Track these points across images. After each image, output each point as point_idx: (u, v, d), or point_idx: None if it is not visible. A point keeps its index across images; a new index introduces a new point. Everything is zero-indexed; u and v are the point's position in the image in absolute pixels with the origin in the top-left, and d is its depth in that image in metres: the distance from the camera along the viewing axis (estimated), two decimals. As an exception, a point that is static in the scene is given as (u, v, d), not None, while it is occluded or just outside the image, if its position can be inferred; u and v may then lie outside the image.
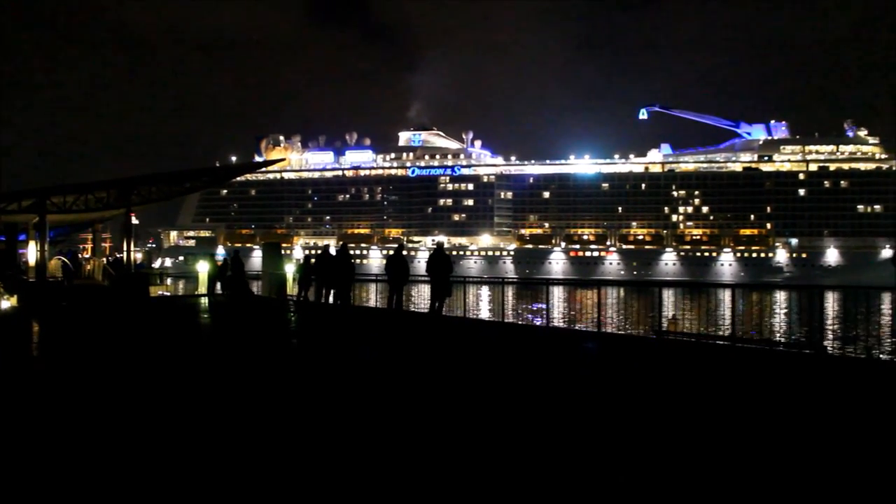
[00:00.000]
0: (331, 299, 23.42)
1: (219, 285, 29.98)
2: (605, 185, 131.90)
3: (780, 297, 72.40)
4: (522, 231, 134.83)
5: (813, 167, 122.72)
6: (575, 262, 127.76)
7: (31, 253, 36.54)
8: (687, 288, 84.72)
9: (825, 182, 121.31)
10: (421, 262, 25.07)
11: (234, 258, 30.10)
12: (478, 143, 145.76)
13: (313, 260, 25.75)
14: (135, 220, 46.74)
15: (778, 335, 40.44)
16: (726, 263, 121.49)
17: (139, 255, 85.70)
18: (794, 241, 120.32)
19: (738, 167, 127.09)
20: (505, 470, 5.66)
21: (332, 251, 23.76)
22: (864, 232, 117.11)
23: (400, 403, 8.19)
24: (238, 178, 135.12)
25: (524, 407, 8.03)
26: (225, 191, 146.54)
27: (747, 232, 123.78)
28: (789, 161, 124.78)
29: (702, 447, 6.48)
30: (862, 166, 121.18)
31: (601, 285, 24.54)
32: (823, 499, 5.20)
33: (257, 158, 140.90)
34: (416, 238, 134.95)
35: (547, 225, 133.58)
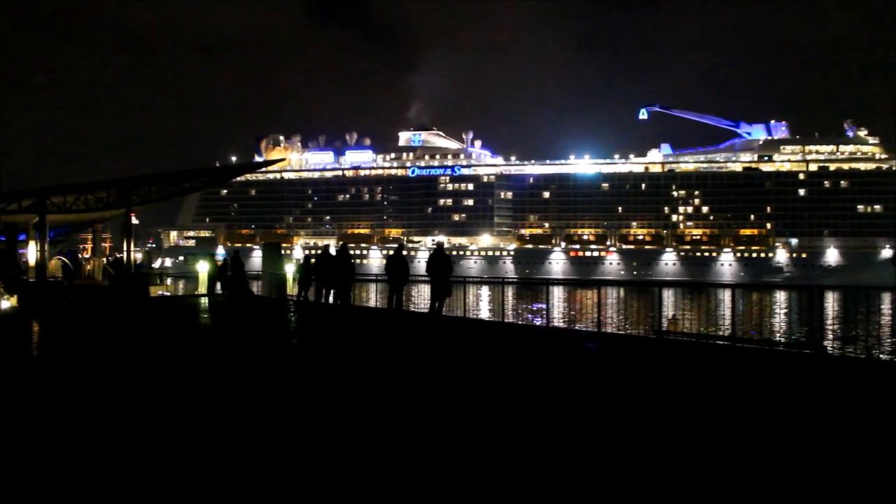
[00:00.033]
0: (331, 299, 23.43)
1: (219, 285, 29.98)
2: (605, 185, 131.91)
3: (780, 297, 72.41)
4: (522, 231, 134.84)
5: (813, 167, 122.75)
6: (575, 262, 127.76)
7: (31, 253, 36.55)
8: (687, 288, 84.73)
9: (825, 182, 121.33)
10: (421, 262, 25.07)
11: (234, 258, 30.10)
12: (478, 143, 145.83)
13: (313, 260, 25.75)
14: (135, 220, 46.74)
15: (778, 335, 40.44)
16: (726, 263, 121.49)
17: (139, 255, 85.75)
18: (794, 241, 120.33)
19: (738, 167, 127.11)
20: (505, 470, 5.66)
21: (332, 251, 23.77)
22: (864, 232, 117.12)
23: (400, 403, 8.20)
24: (238, 178, 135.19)
25: (524, 407, 8.03)
26: (225, 191, 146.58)
27: (747, 232, 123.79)
28: (789, 161, 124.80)
29: (702, 447, 6.48)
30: (862, 166, 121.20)
31: (601, 285, 24.56)
32: (823, 498, 5.20)
33: (257, 158, 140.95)
34: (416, 238, 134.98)
35: (547, 225, 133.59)
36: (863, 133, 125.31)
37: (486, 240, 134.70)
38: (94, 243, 57.48)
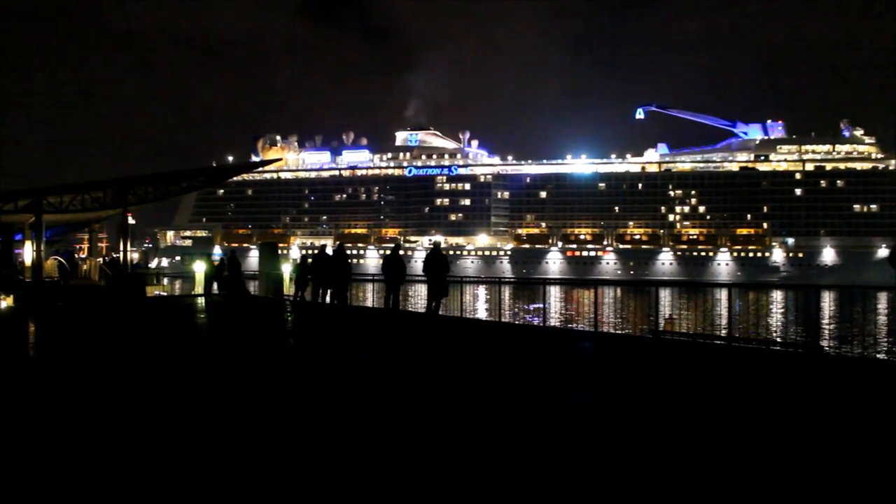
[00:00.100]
0: (328, 299, 23.42)
1: (215, 285, 29.96)
2: (602, 184, 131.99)
3: (777, 296, 72.54)
4: (519, 231, 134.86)
5: (809, 167, 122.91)
6: (572, 262, 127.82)
7: (28, 253, 36.50)
8: (684, 287, 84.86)
9: (821, 182, 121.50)
10: (418, 262, 25.06)
11: (230, 258, 30.11)
12: (475, 142, 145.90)
13: (310, 260, 25.74)
14: (131, 220, 46.71)
15: (774, 335, 40.50)
16: (723, 263, 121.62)
17: (136, 255, 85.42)
18: (790, 240, 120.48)
19: (734, 167, 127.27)
20: (504, 470, 5.66)
21: (329, 251, 23.76)
22: (860, 231, 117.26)
23: (397, 403, 8.20)
24: (235, 178, 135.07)
25: (522, 407, 8.03)
26: (221, 191, 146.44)
27: (744, 231, 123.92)
28: (786, 161, 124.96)
29: (700, 447, 6.49)
30: (858, 166, 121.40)
31: (598, 285, 24.59)
32: (821, 497, 5.21)
33: (254, 158, 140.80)
34: (412, 238, 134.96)
35: (544, 225, 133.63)
36: (859, 133, 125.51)
37: (482, 239, 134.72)
38: (91, 243, 57.53)
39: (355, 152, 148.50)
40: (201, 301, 27.31)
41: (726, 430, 7.10)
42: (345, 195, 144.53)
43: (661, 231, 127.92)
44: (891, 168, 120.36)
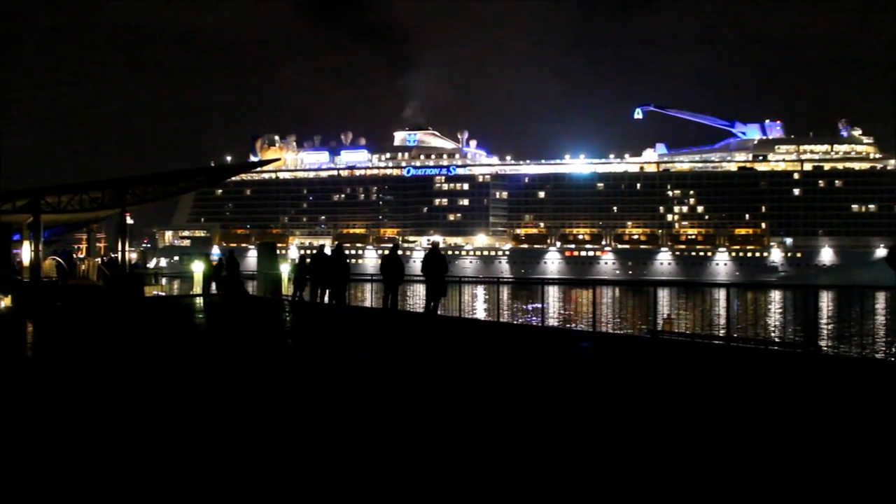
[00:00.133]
0: (326, 299, 23.42)
1: (214, 285, 29.94)
2: (601, 184, 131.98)
3: (776, 296, 72.54)
4: (518, 231, 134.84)
5: (808, 167, 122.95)
6: (570, 262, 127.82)
7: (26, 253, 36.47)
8: (682, 287, 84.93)
9: (820, 182, 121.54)
10: (416, 262, 25.05)
11: (229, 258, 30.10)
12: (473, 142, 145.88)
13: (309, 260, 25.73)
14: (130, 220, 46.72)
15: (773, 334, 40.51)
16: (721, 263, 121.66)
17: (134, 255, 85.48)
18: (788, 240, 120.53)
19: (732, 167, 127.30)
20: (503, 470, 5.66)
21: (328, 251, 23.76)
22: (858, 231, 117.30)
23: (396, 403, 8.19)
24: (233, 178, 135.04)
25: (520, 407, 8.03)
26: (220, 191, 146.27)
27: (742, 231, 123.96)
28: (784, 161, 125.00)
29: (699, 446, 6.49)
30: (856, 166, 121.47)
31: (596, 285, 24.60)
32: (819, 497, 5.21)
33: (252, 158, 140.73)
34: (411, 238, 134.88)
35: (542, 225, 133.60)
36: (857, 133, 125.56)
37: (481, 239, 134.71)
38: (89, 243, 57.61)
39: (354, 152, 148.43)
40: (200, 301, 27.30)
41: (725, 429, 7.10)
42: (343, 195, 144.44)
43: (660, 231, 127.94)
44: (889, 168, 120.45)
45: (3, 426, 7.29)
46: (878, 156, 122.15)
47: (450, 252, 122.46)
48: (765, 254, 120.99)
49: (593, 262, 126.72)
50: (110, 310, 24.21)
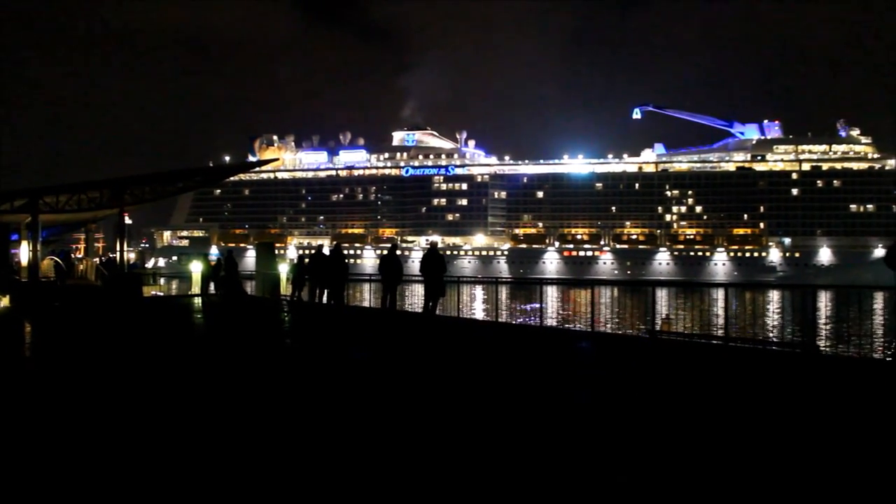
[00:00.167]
0: (324, 299, 23.41)
1: (212, 285, 29.92)
2: (599, 184, 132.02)
3: (774, 296, 72.60)
4: (516, 231, 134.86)
5: (806, 167, 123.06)
6: (569, 262, 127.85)
7: (24, 253, 36.40)
8: (680, 287, 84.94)
9: (818, 182, 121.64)
10: (415, 262, 25.05)
11: (227, 258, 30.07)
12: (472, 142, 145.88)
13: (307, 260, 25.73)
14: (128, 220, 46.65)
15: (771, 334, 40.56)
16: (720, 263, 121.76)
17: (132, 255, 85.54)
18: (787, 240, 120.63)
19: (731, 167, 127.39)
20: (503, 470, 5.65)
21: (326, 251, 23.76)
22: (856, 231, 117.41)
23: (394, 404, 8.19)
24: (232, 178, 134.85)
25: (520, 407, 8.03)
26: (218, 191, 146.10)
27: (741, 231, 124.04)
28: (782, 161, 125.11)
29: (698, 446, 6.49)
30: (854, 166, 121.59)
31: (595, 285, 24.60)
32: (818, 497, 5.22)
33: (251, 158, 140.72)
34: (409, 238, 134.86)
35: (541, 225, 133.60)
36: (855, 133, 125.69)
37: (479, 239, 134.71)
38: (87, 243, 57.37)
39: (352, 152, 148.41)
40: (198, 301, 27.28)
41: (724, 429, 7.10)
42: (342, 195, 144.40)
43: (658, 231, 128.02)
44: (887, 168, 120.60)
45: (1, 427, 7.28)
46: (876, 156, 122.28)
47: (448, 252, 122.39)
48: (763, 254, 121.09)
49: (592, 262, 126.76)
50: (108, 310, 24.19)
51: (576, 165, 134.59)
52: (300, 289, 26.23)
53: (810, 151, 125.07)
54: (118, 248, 39.65)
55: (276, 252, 37.12)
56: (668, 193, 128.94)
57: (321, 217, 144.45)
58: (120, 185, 35.10)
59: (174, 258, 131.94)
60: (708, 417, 7.68)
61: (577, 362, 12.36)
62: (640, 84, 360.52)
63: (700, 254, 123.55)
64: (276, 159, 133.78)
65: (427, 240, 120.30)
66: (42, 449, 6.39)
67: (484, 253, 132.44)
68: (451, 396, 8.62)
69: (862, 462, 6.05)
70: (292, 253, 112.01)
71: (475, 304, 53.51)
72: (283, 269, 31.90)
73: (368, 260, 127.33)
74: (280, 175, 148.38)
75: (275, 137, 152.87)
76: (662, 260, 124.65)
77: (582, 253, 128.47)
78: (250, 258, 79.26)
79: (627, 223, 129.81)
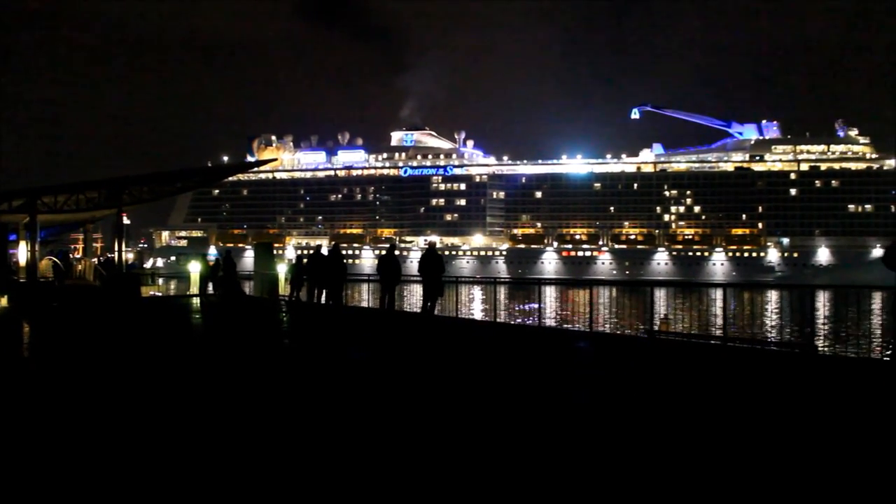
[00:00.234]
0: (323, 299, 23.41)
1: (210, 285, 29.90)
2: (598, 184, 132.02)
3: (772, 296, 72.67)
4: (515, 231, 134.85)
5: (804, 167, 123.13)
6: (567, 262, 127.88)
7: (22, 253, 36.37)
8: (679, 287, 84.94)
9: (816, 182, 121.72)
10: (413, 262, 25.05)
11: (225, 258, 30.07)
12: (470, 142, 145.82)
13: (305, 260, 25.72)
14: (126, 221, 46.58)
15: (770, 335, 40.57)
16: (718, 263, 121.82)
17: (130, 256, 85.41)
18: (785, 240, 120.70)
19: (729, 167, 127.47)
20: (502, 470, 5.65)
21: (325, 251, 23.75)
22: (855, 231, 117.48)
23: (393, 404, 8.18)
24: (230, 178, 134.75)
25: (519, 407, 8.03)
26: (217, 191, 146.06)
27: (739, 231, 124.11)
28: (780, 161, 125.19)
29: (696, 446, 6.49)
30: (853, 166, 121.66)
31: (593, 285, 24.61)
32: (816, 496, 5.22)
33: (249, 158, 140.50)
34: (408, 238, 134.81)
35: (539, 225, 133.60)
36: (853, 133, 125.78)
37: (478, 240, 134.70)
38: (86, 243, 57.37)
39: (351, 152, 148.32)
40: (196, 301, 27.27)
41: (722, 429, 7.10)
42: (340, 195, 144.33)
43: (657, 231, 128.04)
44: (885, 168, 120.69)
45: (1, 427, 7.28)
46: (874, 156, 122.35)
47: (447, 252, 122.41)
48: (761, 254, 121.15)
49: (590, 262, 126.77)
50: (107, 310, 24.18)
51: (574, 165, 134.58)
52: (298, 289, 26.22)
53: (808, 152, 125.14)
54: (116, 249, 39.64)
55: (275, 252, 37.10)
56: (667, 193, 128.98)
57: (319, 217, 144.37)
58: (118, 185, 35.09)
59: (172, 258, 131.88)
60: (706, 417, 7.68)
61: (575, 362, 12.36)
62: (639, 84, 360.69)
63: (698, 254, 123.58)
64: (275, 159, 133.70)
65: (425, 240, 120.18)
66: (41, 449, 6.39)
67: (482, 253, 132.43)
68: (450, 396, 8.62)
69: (860, 462, 6.06)
70: (291, 253, 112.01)
71: (474, 305, 53.51)
72: (282, 270, 31.88)
73: (367, 260, 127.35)
74: (278, 175, 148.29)
75: (273, 137, 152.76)
76: (661, 260, 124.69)
77: (580, 253, 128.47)
78: (249, 258, 79.29)
79: (626, 223, 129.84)
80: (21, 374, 10.66)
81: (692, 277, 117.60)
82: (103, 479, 5.46)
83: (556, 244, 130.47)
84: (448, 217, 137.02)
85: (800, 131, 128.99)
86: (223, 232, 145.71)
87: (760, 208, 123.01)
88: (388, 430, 6.90)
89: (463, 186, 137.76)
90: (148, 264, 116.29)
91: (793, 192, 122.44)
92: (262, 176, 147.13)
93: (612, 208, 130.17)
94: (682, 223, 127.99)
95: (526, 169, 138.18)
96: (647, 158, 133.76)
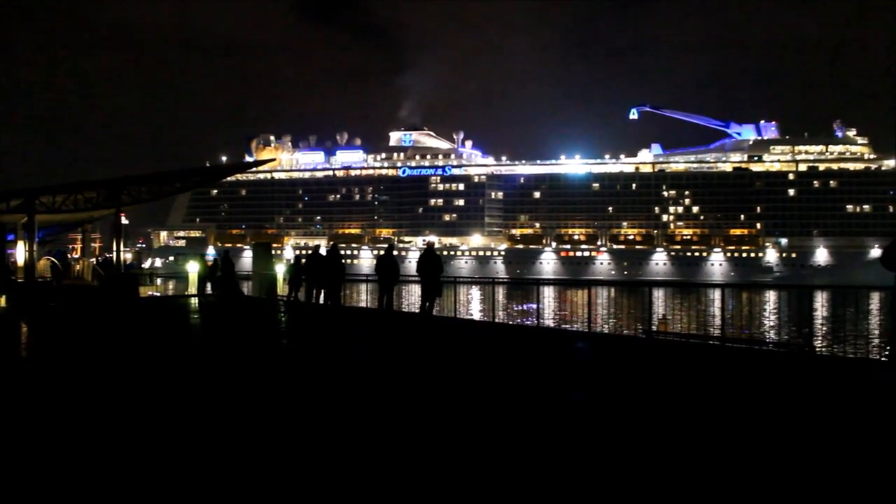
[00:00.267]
0: (321, 300, 23.40)
1: (209, 286, 29.89)
2: (596, 185, 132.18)
3: (770, 296, 72.74)
4: (513, 231, 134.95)
5: (802, 167, 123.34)
6: (566, 262, 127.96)
7: (20, 253, 36.36)
8: (677, 288, 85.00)
9: (814, 182, 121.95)
10: (412, 262, 25.09)
11: (224, 258, 30.05)
12: (468, 143, 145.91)
13: (304, 260, 25.72)
14: (124, 221, 46.57)
15: (767, 335, 40.60)
16: (716, 263, 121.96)
17: (129, 256, 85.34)
18: (783, 240, 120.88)
19: (728, 167, 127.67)
20: (501, 470, 5.65)
21: (323, 251, 23.75)
22: (853, 232, 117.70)
23: (392, 404, 8.18)
24: (228, 178, 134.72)
25: (517, 407, 8.03)
26: (215, 191, 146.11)
27: (737, 232, 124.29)
28: (779, 161, 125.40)
29: (695, 446, 6.49)
30: (851, 166, 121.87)
31: (592, 285, 24.61)
32: (815, 496, 5.22)
33: (248, 158, 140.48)
34: (406, 238, 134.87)
35: (538, 225, 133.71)
36: (852, 133, 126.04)
37: (476, 240, 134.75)
38: (84, 243, 57.46)
39: (349, 152, 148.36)
40: (194, 301, 27.26)
41: (720, 429, 7.11)
42: (339, 195, 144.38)
43: (655, 231, 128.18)
44: (883, 168, 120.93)
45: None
46: (872, 156, 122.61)
47: (445, 252, 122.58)
48: (760, 254, 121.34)
49: (589, 263, 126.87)
50: (105, 310, 24.16)
51: (573, 166, 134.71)
52: (297, 289, 26.23)
53: (807, 152, 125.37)
54: (115, 249, 39.63)
55: (273, 252, 37.06)
56: (665, 194, 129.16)
57: (318, 217, 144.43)
58: (116, 185, 35.08)
59: (171, 258, 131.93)
60: (704, 417, 7.68)
61: (573, 362, 12.36)
62: (638, 84, 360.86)
63: (697, 254, 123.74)
64: (273, 159, 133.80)
65: (424, 240, 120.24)
66: (41, 449, 6.38)
67: (481, 253, 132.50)
68: (449, 396, 8.62)
69: (859, 462, 6.06)
70: (289, 253, 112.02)
71: (472, 305, 53.48)
72: (280, 270, 31.89)
73: (365, 260, 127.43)
74: (277, 175, 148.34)
75: (272, 137, 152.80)
76: (659, 260, 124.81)
77: (579, 253, 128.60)
78: (247, 258, 79.09)
79: (624, 223, 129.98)
80: (19, 375, 10.65)
81: (690, 278, 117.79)
82: (103, 480, 5.46)
83: (554, 244, 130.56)
84: (446, 217, 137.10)
85: (798, 132, 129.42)
86: (221, 232, 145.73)
87: (759, 209, 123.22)
88: (388, 430, 6.89)
89: (461, 186, 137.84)
90: (146, 264, 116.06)
91: (791, 192, 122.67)
92: (261, 176, 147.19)
93: (610, 208, 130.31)
94: (680, 223, 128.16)
95: (524, 169, 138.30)
96: (646, 159, 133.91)
